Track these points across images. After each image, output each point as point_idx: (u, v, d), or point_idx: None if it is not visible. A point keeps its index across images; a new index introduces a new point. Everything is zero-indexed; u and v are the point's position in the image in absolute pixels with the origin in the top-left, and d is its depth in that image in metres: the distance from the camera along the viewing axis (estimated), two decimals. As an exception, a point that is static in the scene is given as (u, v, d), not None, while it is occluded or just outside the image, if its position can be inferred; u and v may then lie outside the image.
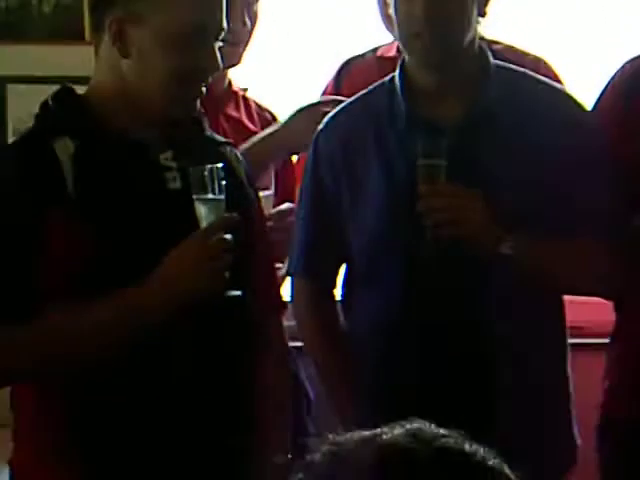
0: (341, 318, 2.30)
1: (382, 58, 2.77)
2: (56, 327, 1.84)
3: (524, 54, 2.45)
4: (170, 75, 1.87)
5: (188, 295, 1.84)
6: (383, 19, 2.72)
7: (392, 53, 2.75)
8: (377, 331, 2.19)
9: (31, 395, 1.92)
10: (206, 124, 2.05)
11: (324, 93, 2.85)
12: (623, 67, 2.30)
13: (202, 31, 1.88)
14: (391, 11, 2.15)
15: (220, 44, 1.92)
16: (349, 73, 2.82)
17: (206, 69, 1.89)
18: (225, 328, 1.92)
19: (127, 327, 1.85)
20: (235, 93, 2.66)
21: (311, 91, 2.90)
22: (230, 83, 2.66)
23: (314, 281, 2.29)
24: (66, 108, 1.93)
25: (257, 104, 2.72)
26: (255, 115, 2.67)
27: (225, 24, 1.91)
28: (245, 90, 2.71)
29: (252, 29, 2.55)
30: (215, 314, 1.88)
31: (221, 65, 1.92)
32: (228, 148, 2.08)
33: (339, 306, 2.32)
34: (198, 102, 1.95)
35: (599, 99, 2.30)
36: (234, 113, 2.61)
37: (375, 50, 2.83)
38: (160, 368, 1.87)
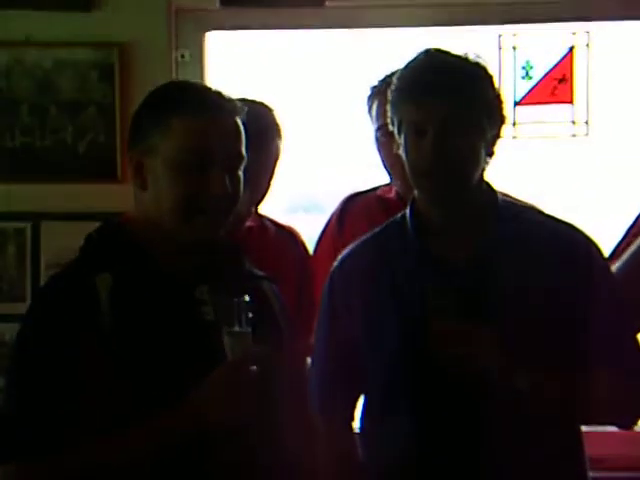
0: (359, 450, 2.31)
1: (382, 198, 2.87)
2: (89, 456, 1.86)
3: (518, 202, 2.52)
4: (179, 200, 1.93)
5: (212, 425, 1.86)
6: (382, 160, 2.82)
7: (391, 195, 2.85)
8: (392, 466, 2.20)
9: None
10: (244, 259, 2.10)
11: (327, 226, 2.96)
12: None
13: (208, 157, 1.93)
14: (400, 151, 2.20)
15: (239, 172, 1.98)
16: (351, 209, 2.92)
17: (213, 195, 1.93)
18: (253, 459, 1.94)
19: (152, 457, 1.87)
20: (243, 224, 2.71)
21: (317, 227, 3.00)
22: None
23: (331, 415, 2.31)
24: (107, 243, 2.00)
25: (276, 224, 2.77)
26: (271, 241, 2.73)
27: (241, 152, 1.97)
28: (259, 216, 2.75)
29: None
30: (242, 446, 1.90)
31: (230, 192, 1.95)
32: (265, 282, 2.13)
33: (357, 438, 2.33)
34: (219, 229, 1.99)
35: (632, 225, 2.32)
36: (247, 246, 2.65)
37: (376, 189, 2.93)
38: None
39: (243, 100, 2.59)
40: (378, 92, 2.78)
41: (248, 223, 2.73)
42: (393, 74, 2.72)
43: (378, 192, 2.93)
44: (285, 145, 2.73)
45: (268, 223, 2.77)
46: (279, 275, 2.42)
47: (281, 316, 2.13)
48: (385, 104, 2.68)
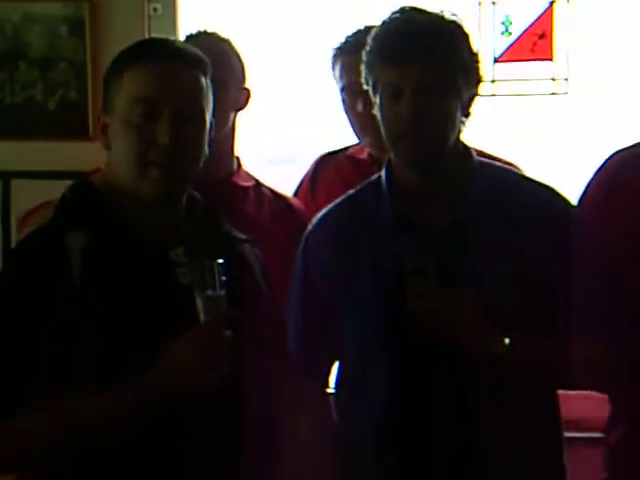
0: (334, 415, 2.29)
1: (354, 159, 2.84)
2: (56, 416, 1.84)
3: (495, 159, 2.50)
4: (130, 153, 1.91)
5: (182, 389, 1.85)
6: (349, 121, 2.78)
7: (363, 155, 2.82)
8: (368, 431, 2.19)
9: None
10: (223, 221, 2.08)
11: (301, 186, 2.93)
12: (611, 158, 2.30)
13: (155, 107, 1.91)
14: (375, 112, 2.17)
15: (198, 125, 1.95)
16: (324, 169, 2.89)
17: (161, 146, 1.91)
18: (221, 424, 1.93)
19: (122, 419, 1.85)
20: (238, 186, 2.66)
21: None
22: (231, 176, 2.68)
23: (306, 379, 2.27)
24: (81, 202, 1.97)
25: (273, 192, 2.72)
26: (267, 206, 2.68)
27: (195, 102, 1.94)
28: (257, 181, 2.71)
29: None
30: (211, 409, 1.89)
31: (180, 143, 1.91)
32: (246, 245, 2.11)
33: (332, 403, 2.31)
34: (181, 184, 1.97)
35: (585, 191, 2.31)
36: (242, 208, 2.61)
37: (347, 149, 2.90)
38: (153, 463, 1.88)
39: (199, 34, 2.57)
40: (341, 53, 2.75)
41: (243, 183, 2.68)
42: (356, 34, 2.71)
43: (349, 152, 2.90)
44: (247, 80, 2.67)
45: (265, 190, 2.71)
46: (273, 244, 2.39)
47: (262, 279, 2.11)
48: (347, 65, 2.66)
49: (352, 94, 2.70)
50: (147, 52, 1.96)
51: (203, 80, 1.96)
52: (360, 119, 2.70)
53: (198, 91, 1.95)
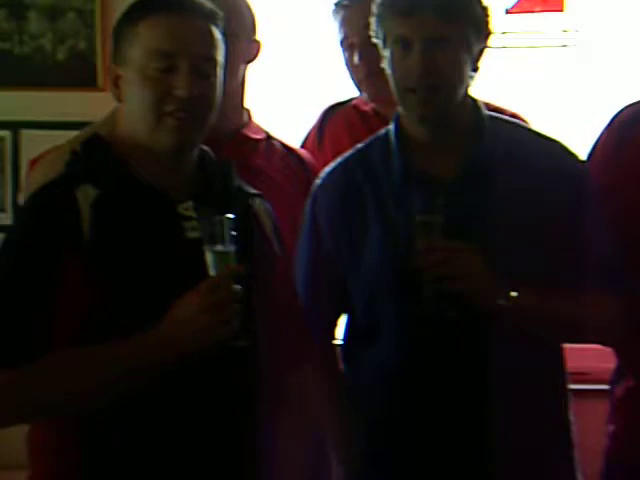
0: (341, 367, 2.31)
1: (359, 110, 2.83)
2: (62, 368, 1.85)
3: (501, 111, 2.49)
4: (146, 104, 1.91)
5: (191, 343, 1.85)
6: (349, 70, 2.77)
7: (367, 107, 2.81)
8: (376, 385, 2.20)
9: (47, 437, 1.97)
10: (235, 175, 2.08)
11: (307, 138, 2.91)
12: (621, 112, 2.30)
13: (172, 58, 1.91)
14: (385, 65, 2.17)
15: (212, 77, 1.95)
16: (331, 120, 2.88)
17: (178, 97, 1.91)
18: (232, 378, 1.93)
19: (132, 373, 1.86)
20: (249, 139, 2.64)
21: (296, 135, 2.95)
22: (241, 128, 2.67)
23: (313, 332, 2.26)
24: (93, 156, 1.97)
25: (283, 145, 2.70)
26: (277, 159, 2.66)
27: (211, 55, 1.95)
28: (267, 134, 2.69)
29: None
30: (222, 364, 1.89)
31: (197, 94, 1.92)
32: (257, 200, 2.10)
33: (339, 356, 2.32)
34: (195, 135, 1.96)
35: (595, 144, 2.31)
36: (252, 161, 2.59)
37: (353, 99, 2.89)
38: (164, 417, 1.89)
39: None
40: (340, 7, 2.74)
41: (254, 135, 2.66)
42: None
43: (355, 103, 2.88)
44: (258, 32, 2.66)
45: (276, 143, 2.70)
46: (283, 197, 2.39)
47: (273, 234, 2.11)
48: (346, 18, 2.65)
49: (349, 48, 2.70)
50: (162, 3, 1.95)
51: (216, 32, 1.97)
52: (357, 72, 2.70)
53: (212, 43, 1.96)
